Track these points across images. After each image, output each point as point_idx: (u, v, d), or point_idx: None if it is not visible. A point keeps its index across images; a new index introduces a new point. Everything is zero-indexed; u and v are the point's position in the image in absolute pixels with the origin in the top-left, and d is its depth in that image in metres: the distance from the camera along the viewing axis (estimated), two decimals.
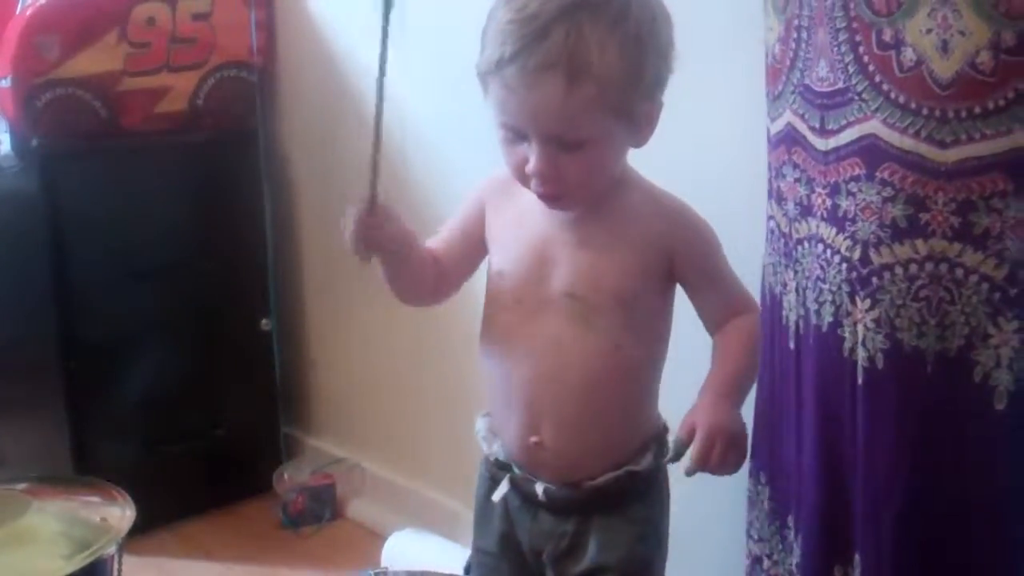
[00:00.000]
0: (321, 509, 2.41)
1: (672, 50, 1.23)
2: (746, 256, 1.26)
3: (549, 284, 1.29)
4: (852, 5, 0.92)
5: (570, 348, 1.28)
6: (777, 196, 1.06)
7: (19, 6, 2.26)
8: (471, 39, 1.22)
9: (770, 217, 1.09)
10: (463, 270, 1.40)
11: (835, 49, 0.93)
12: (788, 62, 0.99)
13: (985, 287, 0.90)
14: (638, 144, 1.27)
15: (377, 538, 2.17)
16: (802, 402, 1.04)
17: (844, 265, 0.95)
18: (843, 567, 1.01)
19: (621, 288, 1.27)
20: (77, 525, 1.17)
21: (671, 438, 1.28)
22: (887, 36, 0.90)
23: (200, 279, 2.39)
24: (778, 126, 1.04)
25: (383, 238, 1.26)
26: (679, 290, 1.32)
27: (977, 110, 0.87)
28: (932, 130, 0.89)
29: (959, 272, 0.90)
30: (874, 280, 0.93)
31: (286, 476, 2.47)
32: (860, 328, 0.94)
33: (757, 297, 1.21)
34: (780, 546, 1.12)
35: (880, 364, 0.94)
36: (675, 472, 1.30)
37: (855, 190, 0.93)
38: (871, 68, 0.91)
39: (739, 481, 1.23)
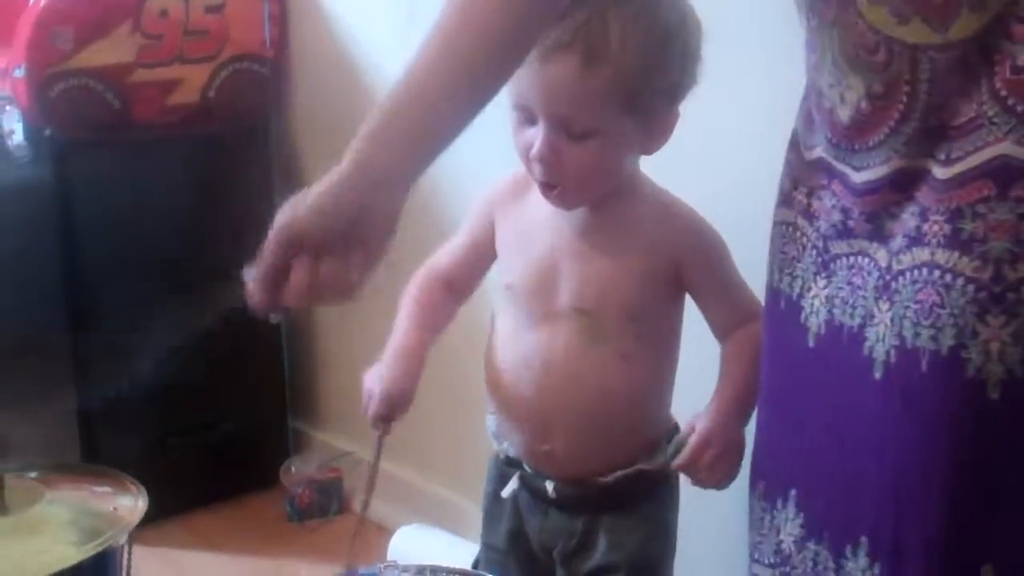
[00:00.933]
0: (328, 503, 2.41)
1: (698, 62, 1.22)
2: (759, 263, 1.25)
3: (557, 297, 1.29)
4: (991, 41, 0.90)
5: (579, 360, 1.28)
6: (808, 215, 1.05)
7: None
8: None
9: (786, 223, 1.09)
10: (476, 279, 1.40)
11: (967, 85, 0.92)
12: (897, 114, 0.96)
13: None
14: (647, 151, 1.26)
15: (384, 532, 2.17)
16: (846, 408, 1.02)
17: (971, 287, 0.93)
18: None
19: (629, 301, 1.27)
20: (89, 514, 1.17)
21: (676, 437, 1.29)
22: (1021, 61, 0.89)
23: (210, 271, 2.39)
24: (877, 173, 1.00)
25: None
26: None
27: None
28: None
29: None
30: (1009, 295, 0.91)
31: (293, 469, 2.47)
32: (995, 346, 0.92)
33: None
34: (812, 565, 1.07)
35: (1019, 374, 0.92)
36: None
37: (984, 211, 0.92)
38: (1003, 93, 0.90)
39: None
